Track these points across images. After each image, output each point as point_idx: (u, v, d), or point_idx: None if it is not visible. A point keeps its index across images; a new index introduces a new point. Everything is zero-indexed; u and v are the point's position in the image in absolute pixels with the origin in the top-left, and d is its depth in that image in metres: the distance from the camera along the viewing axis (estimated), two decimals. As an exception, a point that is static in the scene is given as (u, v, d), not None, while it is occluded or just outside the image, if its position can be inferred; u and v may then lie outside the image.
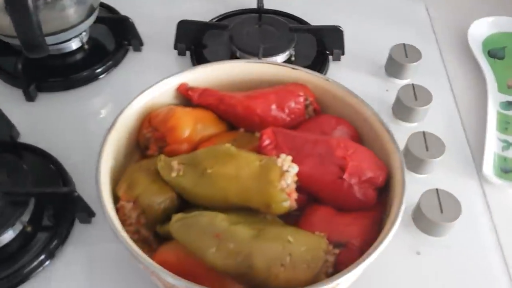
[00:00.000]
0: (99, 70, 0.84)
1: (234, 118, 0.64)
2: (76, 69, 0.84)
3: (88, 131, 0.78)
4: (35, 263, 0.62)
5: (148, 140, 0.61)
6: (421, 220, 0.65)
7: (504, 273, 0.64)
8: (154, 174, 0.56)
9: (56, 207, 0.66)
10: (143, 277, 0.61)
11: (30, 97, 0.80)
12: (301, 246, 0.49)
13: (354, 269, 0.47)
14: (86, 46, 0.87)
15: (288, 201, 0.52)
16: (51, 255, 0.63)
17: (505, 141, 0.78)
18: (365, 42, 0.92)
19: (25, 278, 0.61)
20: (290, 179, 0.52)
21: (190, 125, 0.60)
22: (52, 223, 0.65)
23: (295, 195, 0.52)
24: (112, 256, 0.63)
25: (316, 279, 0.48)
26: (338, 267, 0.50)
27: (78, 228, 0.66)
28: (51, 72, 0.84)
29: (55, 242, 0.63)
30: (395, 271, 0.64)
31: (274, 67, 0.66)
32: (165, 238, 0.55)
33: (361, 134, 0.63)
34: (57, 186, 0.67)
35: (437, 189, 0.66)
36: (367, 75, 0.87)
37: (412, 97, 0.78)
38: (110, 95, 0.83)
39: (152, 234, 0.56)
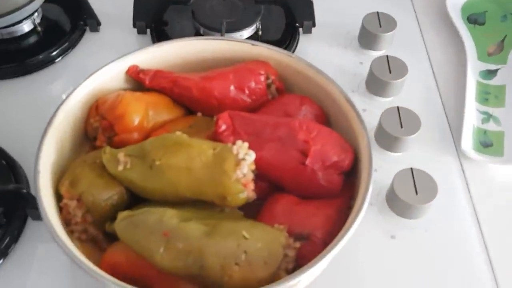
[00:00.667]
0: (54, 53, 0.79)
1: (190, 101, 0.60)
2: (30, 53, 0.79)
3: (45, 120, 0.72)
4: (-13, 263, 0.58)
5: (96, 130, 0.57)
6: (395, 202, 0.61)
7: (484, 255, 0.61)
8: (99, 168, 0.52)
9: (6, 204, 0.62)
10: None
11: (-21, 86, 0.75)
12: (258, 242, 0.45)
13: (316, 265, 0.44)
14: (39, 28, 0.82)
15: (244, 192, 0.48)
16: (3, 254, 0.60)
17: (485, 112, 0.74)
18: (337, 12, 0.87)
19: (-23, 280, 0.58)
20: (246, 168, 0.48)
21: (141, 111, 0.56)
22: (3, 221, 0.61)
23: (252, 186, 0.49)
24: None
25: (275, 277, 0.45)
26: (300, 262, 0.46)
27: (31, 225, 0.62)
28: (3, 58, 0.78)
29: (6, 241, 0.60)
30: (369, 257, 0.60)
31: (233, 43, 0.62)
32: (117, 237, 0.51)
33: (328, 114, 0.59)
34: (4, 184, 0.63)
35: (411, 169, 0.62)
36: (339, 47, 0.82)
37: (386, 69, 0.73)
38: (68, 79, 0.78)
39: (102, 232, 0.52)
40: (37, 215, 0.61)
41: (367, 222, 0.62)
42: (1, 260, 0.59)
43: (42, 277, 0.59)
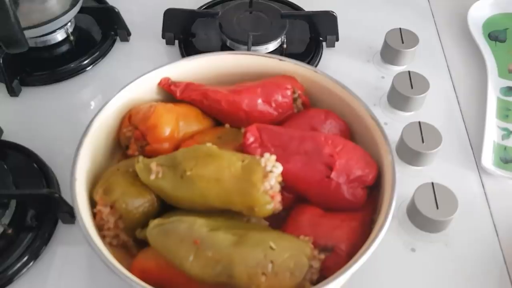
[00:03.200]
0: (85, 61, 0.82)
1: (219, 113, 0.61)
2: (62, 61, 0.82)
3: (75, 126, 0.74)
4: (19, 264, 0.60)
5: (129, 139, 0.59)
6: (416, 216, 0.62)
7: (503, 269, 0.62)
8: (132, 177, 0.54)
9: (38, 208, 0.65)
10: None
11: (13, 92, 0.78)
12: (284, 252, 0.47)
13: (340, 277, 0.45)
14: (71, 38, 0.85)
15: (272, 203, 0.49)
16: (35, 256, 0.62)
17: (505, 129, 0.75)
18: (360, 28, 0.89)
19: (9, 281, 0.60)
20: (274, 180, 0.50)
21: (172, 122, 0.58)
22: (34, 224, 0.64)
23: (279, 197, 0.50)
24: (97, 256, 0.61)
25: (300, 287, 0.46)
26: (324, 273, 0.48)
27: (62, 228, 0.64)
28: (36, 66, 0.81)
29: (38, 243, 0.62)
30: (389, 270, 0.61)
31: (261, 58, 0.64)
32: (146, 243, 0.53)
33: (352, 129, 0.61)
34: (37, 188, 0.66)
35: (432, 183, 0.63)
36: (362, 61, 0.84)
37: (408, 85, 0.74)
38: (98, 87, 0.81)
39: (132, 238, 0.53)
40: (68, 219, 0.64)
41: (387, 235, 0.62)
42: (32, 262, 0.61)
43: (72, 279, 0.60)
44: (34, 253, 0.62)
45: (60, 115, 0.77)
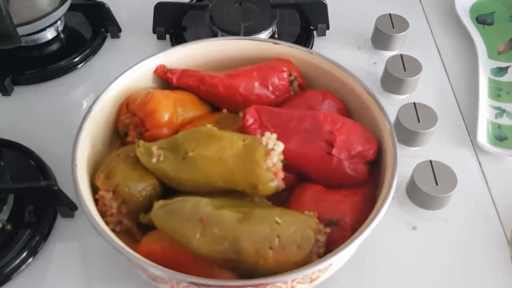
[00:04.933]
0: (76, 59, 0.82)
1: (216, 98, 0.62)
2: (53, 59, 0.81)
3: (68, 123, 0.74)
4: (17, 261, 0.59)
5: (127, 127, 0.58)
6: (416, 193, 0.63)
7: (503, 243, 0.62)
8: (133, 161, 0.53)
9: (36, 202, 0.64)
10: (130, 271, 0.58)
11: (5, 91, 0.77)
12: (290, 227, 0.47)
13: (346, 248, 0.45)
14: (62, 36, 0.84)
15: (275, 180, 0.49)
16: (33, 252, 0.61)
17: (498, 108, 0.76)
18: (350, 15, 0.89)
19: (7, 278, 0.59)
20: (276, 158, 0.50)
21: (170, 108, 0.58)
22: (33, 219, 0.63)
23: (282, 174, 0.50)
24: (97, 250, 0.61)
25: (307, 260, 0.46)
26: (330, 247, 0.48)
27: (61, 223, 0.63)
28: (27, 64, 0.81)
29: (37, 239, 0.61)
30: (391, 248, 0.62)
31: (255, 43, 0.64)
32: (149, 228, 0.52)
33: (349, 108, 0.61)
34: (36, 181, 0.65)
35: (430, 161, 0.64)
36: (353, 49, 0.84)
37: (401, 68, 0.75)
38: (90, 84, 0.80)
39: (135, 224, 0.53)
40: (67, 213, 0.63)
41: (388, 215, 0.62)
42: (31, 259, 0.60)
43: (71, 276, 0.59)
44: (33, 249, 0.61)
45: (53, 113, 0.76)
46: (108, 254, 0.60)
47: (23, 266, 0.60)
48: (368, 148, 0.54)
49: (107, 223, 0.51)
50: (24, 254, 0.60)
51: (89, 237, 0.62)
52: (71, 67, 0.81)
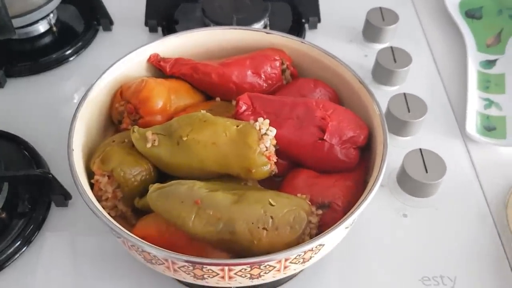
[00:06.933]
0: (68, 52, 0.82)
1: (210, 87, 0.62)
2: (45, 52, 0.82)
3: (61, 114, 0.76)
4: (11, 250, 0.60)
5: (121, 114, 0.59)
6: (406, 181, 0.64)
7: (493, 230, 0.63)
8: (128, 147, 0.54)
9: (31, 191, 0.64)
10: (122, 260, 0.59)
11: (-1, 83, 0.78)
12: (283, 208, 0.47)
13: (337, 228, 0.46)
14: (54, 29, 0.85)
15: (268, 164, 0.50)
16: (27, 242, 0.61)
17: (487, 99, 0.77)
18: (341, 8, 0.90)
19: (1, 267, 0.59)
20: (269, 142, 0.51)
21: (164, 95, 0.58)
22: (27, 208, 0.63)
23: (275, 158, 0.51)
24: (91, 239, 0.62)
25: (300, 241, 0.47)
26: (323, 229, 0.48)
27: (55, 212, 0.64)
28: (20, 57, 0.81)
29: (31, 228, 0.62)
30: (383, 235, 0.63)
31: (248, 32, 0.65)
32: (144, 213, 0.53)
33: (341, 96, 0.62)
34: (30, 169, 0.65)
35: (420, 149, 0.65)
36: (345, 41, 0.86)
37: (391, 59, 0.76)
38: (82, 76, 0.81)
39: (131, 209, 0.54)
40: (61, 202, 0.64)
41: (379, 203, 0.65)
42: (25, 248, 0.61)
43: (66, 264, 0.60)
44: (27, 239, 0.61)
45: (46, 104, 0.77)
46: (101, 243, 0.61)
47: (17, 255, 0.60)
48: (359, 133, 0.55)
49: (102, 208, 0.52)
50: (18, 243, 0.60)
51: (84, 226, 0.62)
52: (63, 60, 0.82)
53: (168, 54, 0.64)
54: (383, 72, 0.76)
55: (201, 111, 0.53)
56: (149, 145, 0.52)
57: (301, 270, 0.58)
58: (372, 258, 0.61)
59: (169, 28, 0.85)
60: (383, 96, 0.75)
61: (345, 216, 0.47)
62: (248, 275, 0.46)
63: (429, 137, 0.72)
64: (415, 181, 0.63)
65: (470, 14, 0.90)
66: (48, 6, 0.80)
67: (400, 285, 0.59)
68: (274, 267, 0.46)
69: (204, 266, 0.45)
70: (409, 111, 0.69)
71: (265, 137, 0.50)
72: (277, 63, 0.62)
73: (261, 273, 0.47)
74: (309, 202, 0.50)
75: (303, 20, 0.86)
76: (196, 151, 0.51)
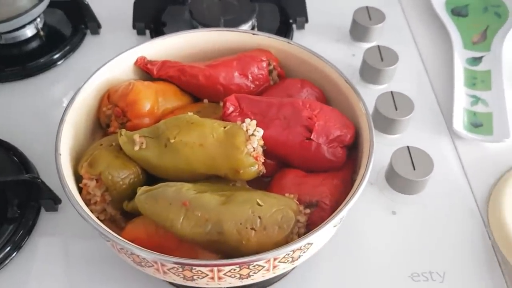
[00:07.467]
0: (56, 56, 0.82)
1: (197, 88, 0.62)
2: (33, 56, 0.82)
3: (49, 118, 0.76)
4: (1, 256, 0.60)
5: (109, 117, 0.59)
6: (395, 179, 0.64)
7: (480, 225, 0.64)
8: (116, 150, 0.54)
9: (20, 196, 0.64)
10: (113, 263, 0.59)
11: (-14, 88, 0.77)
12: (271, 208, 0.48)
13: (325, 226, 0.46)
14: (41, 33, 0.85)
15: (256, 165, 0.51)
16: (17, 247, 0.61)
17: (473, 96, 0.78)
18: (328, 8, 0.91)
19: (-10, 273, 0.59)
20: (256, 143, 0.51)
21: (151, 98, 0.58)
22: (17, 213, 0.63)
23: (262, 159, 0.51)
24: (81, 243, 0.62)
25: (288, 240, 0.47)
26: (311, 228, 0.49)
27: (45, 217, 0.64)
28: (8, 62, 0.81)
29: (21, 233, 0.62)
30: (372, 232, 0.63)
31: (235, 34, 0.65)
32: (133, 216, 0.53)
33: (328, 96, 0.62)
34: (19, 174, 0.65)
35: (408, 147, 0.65)
36: (332, 41, 0.86)
37: (378, 58, 0.77)
38: (70, 81, 0.81)
39: (120, 212, 0.54)
40: (51, 206, 0.64)
41: (368, 201, 0.65)
42: (15, 253, 0.60)
43: (55, 270, 0.60)
44: (17, 244, 0.61)
45: (34, 109, 0.76)
46: (91, 247, 0.61)
47: (7, 261, 0.60)
48: (346, 132, 0.55)
49: (91, 211, 0.52)
50: (8, 249, 0.60)
51: (73, 231, 0.62)
52: (51, 64, 0.82)
53: (156, 56, 0.64)
54: (370, 71, 0.77)
55: (189, 113, 0.53)
56: (136, 148, 0.52)
57: (292, 269, 0.58)
58: (362, 255, 0.61)
59: (157, 31, 0.85)
60: (370, 94, 0.76)
61: (333, 215, 0.48)
62: (238, 275, 0.47)
63: (416, 135, 0.72)
64: (403, 179, 0.63)
65: (456, 12, 0.91)
66: (35, 11, 0.79)
67: (390, 281, 0.59)
68: (263, 266, 0.46)
69: (194, 267, 0.45)
70: (396, 109, 0.70)
71: (252, 138, 0.51)
72: (264, 64, 0.62)
73: (251, 273, 0.47)
74: (297, 202, 0.50)
75: (291, 21, 0.86)
76: (183, 153, 0.51)
